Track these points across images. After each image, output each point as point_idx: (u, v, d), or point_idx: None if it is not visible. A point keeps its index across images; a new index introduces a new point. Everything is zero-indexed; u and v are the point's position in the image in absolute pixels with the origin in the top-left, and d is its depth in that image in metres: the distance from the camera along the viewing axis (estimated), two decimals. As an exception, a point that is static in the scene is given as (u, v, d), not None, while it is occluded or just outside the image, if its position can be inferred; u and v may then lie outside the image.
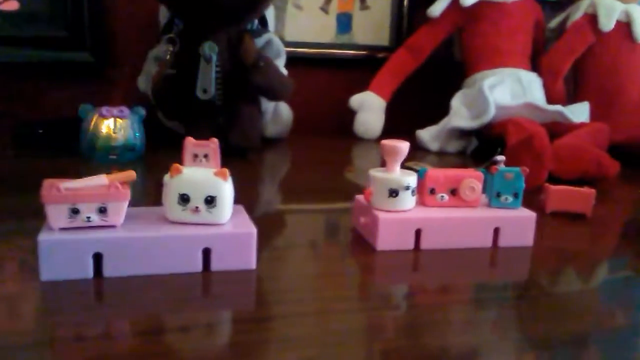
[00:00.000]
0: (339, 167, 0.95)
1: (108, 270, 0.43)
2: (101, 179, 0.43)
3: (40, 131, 0.95)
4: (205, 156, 0.46)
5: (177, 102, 0.93)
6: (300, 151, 1.08)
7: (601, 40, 1.12)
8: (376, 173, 0.53)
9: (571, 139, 0.88)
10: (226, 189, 0.45)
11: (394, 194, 0.51)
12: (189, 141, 0.46)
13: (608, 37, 1.12)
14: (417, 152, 1.07)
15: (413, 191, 0.52)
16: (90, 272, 0.42)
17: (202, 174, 0.45)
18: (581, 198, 0.65)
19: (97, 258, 0.43)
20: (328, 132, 1.24)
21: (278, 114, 1.07)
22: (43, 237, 0.41)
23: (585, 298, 0.46)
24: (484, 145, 1.05)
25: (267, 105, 1.03)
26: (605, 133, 0.96)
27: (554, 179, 0.76)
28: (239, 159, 0.92)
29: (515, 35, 1.15)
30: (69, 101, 1.13)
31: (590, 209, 0.65)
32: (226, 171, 0.45)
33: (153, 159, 0.89)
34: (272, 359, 0.34)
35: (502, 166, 0.56)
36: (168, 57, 0.95)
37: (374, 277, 0.48)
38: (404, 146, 0.52)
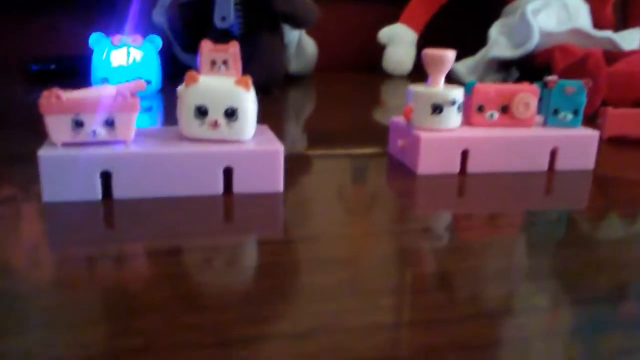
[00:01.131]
0: (368, 106, 0.88)
1: (118, 191, 0.38)
2: (107, 89, 0.38)
3: (53, 67, 0.91)
4: (225, 63, 0.40)
5: (194, 33, 0.86)
6: (325, 89, 1.01)
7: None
8: (417, 87, 0.46)
9: (623, 66, 0.80)
10: (249, 100, 0.39)
11: (437, 110, 0.45)
12: (206, 45, 0.40)
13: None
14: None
15: (459, 107, 0.46)
16: (98, 193, 0.38)
17: (221, 83, 0.39)
18: (644, 121, 0.58)
19: (106, 177, 0.38)
20: (355, 69, 1.17)
21: (302, 48, 1.00)
22: (44, 152, 0.36)
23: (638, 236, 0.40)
24: (526, 76, 0.97)
25: (291, 38, 0.97)
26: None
27: (605, 106, 0.68)
28: (261, 95, 0.86)
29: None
30: (82, 36, 1.08)
31: (654, 133, 0.58)
32: (248, 79, 0.39)
33: (170, 97, 0.84)
34: (302, 280, 0.29)
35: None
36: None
37: (413, 201, 0.43)
38: (449, 55, 0.45)
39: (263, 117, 0.43)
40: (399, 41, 1.11)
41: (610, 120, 0.59)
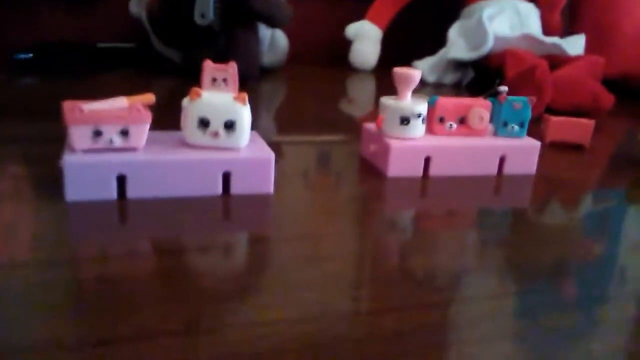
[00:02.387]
0: (336, 98, 0.95)
1: (131, 192, 0.44)
2: (121, 101, 0.43)
3: (32, 55, 0.93)
4: (224, 80, 0.46)
5: (174, 27, 0.91)
6: (296, 81, 1.08)
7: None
8: (388, 101, 0.53)
9: (568, 71, 0.89)
10: (245, 114, 0.46)
11: (405, 122, 0.52)
12: (208, 65, 0.46)
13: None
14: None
15: (423, 119, 0.53)
16: (114, 193, 0.43)
17: (222, 99, 0.45)
18: (580, 129, 0.67)
19: (120, 180, 0.43)
20: (323, 62, 1.23)
21: (275, 42, 1.06)
22: (69, 158, 0.42)
23: (574, 227, 0.48)
24: (481, 76, 1.06)
25: (264, 34, 1.02)
26: (601, 66, 0.96)
27: (549, 111, 0.77)
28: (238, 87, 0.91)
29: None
30: (63, 25, 1.10)
31: (589, 139, 0.67)
32: (245, 96, 0.45)
33: (146, 85, 0.88)
34: (293, 275, 0.36)
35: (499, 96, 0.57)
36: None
37: (384, 202, 0.50)
38: (416, 74, 0.52)
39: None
40: (364, 37, 1.17)
41: (552, 126, 0.67)
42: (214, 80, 0.46)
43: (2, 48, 0.94)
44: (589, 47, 1.08)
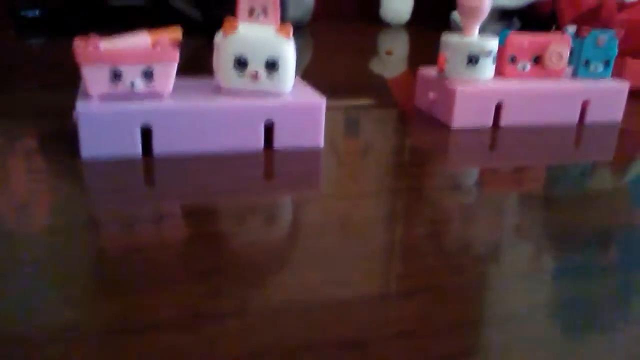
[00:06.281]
0: (370, 55, 0.86)
1: (158, 146, 0.37)
2: (144, 37, 0.36)
3: (39, 12, 0.86)
4: (264, 11, 0.39)
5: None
6: (324, 38, 0.99)
7: None
8: (452, 37, 0.45)
9: (630, 14, 0.80)
10: (290, 51, 0.38)
11: (473, 61, 0.45)
12: (244, -8, 0.38)
13: None
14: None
15: (494, 58, 0.45)
16: (138, 148, 0.36)
17: (262, 32, 0.37)
18: (663, 72, 0.58)
19: (145, 133, 0.36)
20: (352, 18, 1.14)
21: (300, -4, 0.97)
22: (83, 107, 0.34)
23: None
24: (528, 26, 0.97)
25: (289, -15, 0.93)
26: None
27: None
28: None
29: None
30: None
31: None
32: (290, 28, 0.38)
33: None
34: (336, 239, 0.28)
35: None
36: None
37: (445, 160, 0.42)
38: (486, 3, 0.44)
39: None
40: (396, -11, 1.08)
41: (631, 70, 0.59)
42: (252, 11, 0.39)
43: (8, 4, 0.87)
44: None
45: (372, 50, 0.92)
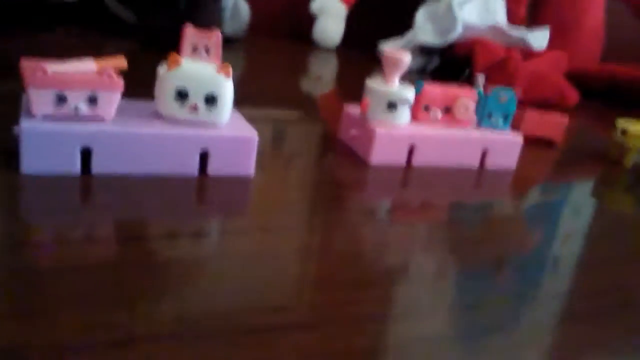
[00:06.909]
0: (301, 74, 0.91)
1: (97, 167, 0.39)
2: (90, 64, 0.38)
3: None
4: (207, 49, 0.42)
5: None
6: (258, 54, 1.03)
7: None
8: (375, 84, 0.50)
9: (534, 65, 0.90)
10: (228, 88, 0.41)
11: (392, 108, 0.50)
12: (189, 30, 0.41)
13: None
14: (378, 65, 1.05)
15: (410, 105, 0.51)
16: (77, 167, 0.38)
17: (203, 69, 0.41)
18: (554, 125, 0.66)
19: (85, 153, 0.38)
20: (285, 36, 1.18)
21: (237, 11, 1.00)
22: (27, 124, 0.36)
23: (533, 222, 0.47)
24: (447, 64, 1.05)
25: (227, 1, 0.96)
26: (564, 61, 0.98)
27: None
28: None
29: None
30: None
31: (561, 136, 0.67)
32: (229, 67, 0.41)
33: (97, 46, 0.82)
34: (257, 269, 0.32)
35: (483, 86, 0.56)
36: None
37: (363, 191, 0.47)
38: (406, 57, 0.50)
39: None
40: (329, 13, 1.13)
41: (528, 121, 0.66)
42: (195, 48, 0.42)
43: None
44: (551, 42, 1.09)
45: (302, 69, 0.97)
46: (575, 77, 1.00)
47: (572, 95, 0.85)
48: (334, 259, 0.35)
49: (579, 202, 0.54)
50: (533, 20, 1.17)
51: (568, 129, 0.71)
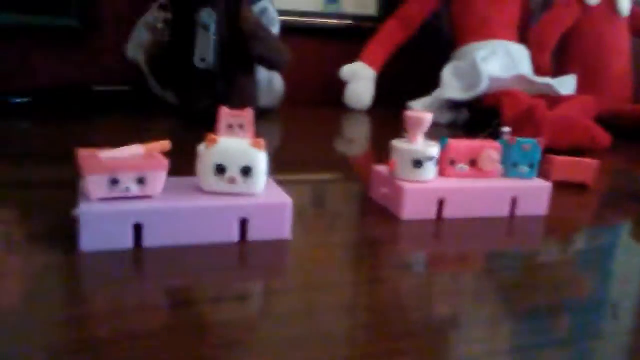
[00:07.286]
0: (334, 138, 0.95)
1: (148, 241, 0.43)
2: (138, 149, 0.43)
3: (28, 99, 0.92)
4: (240, 126, 0.46)
5: (173, 71, 0.91)
6: (293, 122, 1.08)
7: (586, 14, 1.15)
8: (400, 144, 0.53)
9: (563, 111, 0.91)
10: (262, 160, 0.45)
11: (418, 165, 0.52)
12: (224, 111, 0.46)
13: (593, 11, 1.15)
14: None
15: (436, 162, 0.53)
16: (130, 242, 0.42)
17: (238, 145, 0.45)
18: (584, 168, 0.67)
19: (137, 228, 0.42)
20: (318, 103, 1.24)
21: (272, 85, 1.06)
22: (85, 208, 0.40)
23: (582, 267, 0.48)
24: (476, 116, 1.07)
25: (262, 76, 1.02)
26: (593, 105, 0.99)
27: (548, 151, 0.78)
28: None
29: (504, 6, 1.17)
30: (52, 69, 1.10)
31: (592, 179, 0.68)
32: (262, 141, 0.45)
33: (144, 129, 0.88)
34: (304, 327, 0.34)
35: (507, 137, 0.58)
36: (160, 24, 0.93)
37: (399, 245, 0.50)
38: (428, 117, 0.53)
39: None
40: (359, 78, 1.19)
41: (557, 166, 0.68)
42: (230, 126, 0.46)
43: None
44: (579, 87, 1.10)
45: (336, 132, 1.01)
46: (607, 120, 1.01)
47: (604, 138, 0.85)
48: (382, 311, 0.37)
49: (620, 244, 0.54)
50: (559, 67, 1.20)
51: (602, 171, 0.72)
